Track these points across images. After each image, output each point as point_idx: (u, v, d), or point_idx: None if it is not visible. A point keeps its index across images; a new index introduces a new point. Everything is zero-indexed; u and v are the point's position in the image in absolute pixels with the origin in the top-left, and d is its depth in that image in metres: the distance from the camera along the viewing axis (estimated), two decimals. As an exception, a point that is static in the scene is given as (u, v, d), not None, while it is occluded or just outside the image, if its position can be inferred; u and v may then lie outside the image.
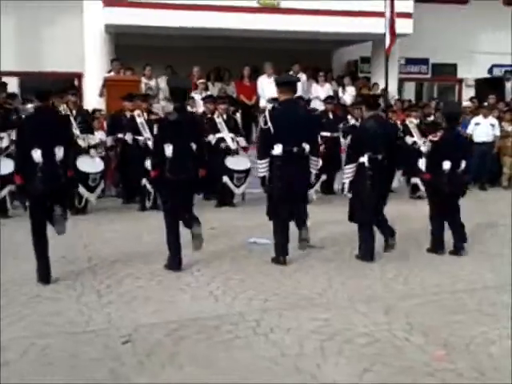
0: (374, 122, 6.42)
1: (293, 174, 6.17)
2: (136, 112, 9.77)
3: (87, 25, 13.41)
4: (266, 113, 6.27)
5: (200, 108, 12.54)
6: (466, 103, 13.12)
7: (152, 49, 13.79)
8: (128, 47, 13.47)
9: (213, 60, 14.05)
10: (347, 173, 6.45)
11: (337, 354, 4.17)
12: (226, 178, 9.85)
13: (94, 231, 8.17)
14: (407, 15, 13.84)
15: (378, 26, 13.58)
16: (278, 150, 6.12)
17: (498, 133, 12.13)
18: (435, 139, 7.16)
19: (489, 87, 14.83)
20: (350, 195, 6.52)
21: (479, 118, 12.21)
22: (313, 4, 13.28)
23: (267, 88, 13.32)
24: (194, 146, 6.08)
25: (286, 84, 6.40)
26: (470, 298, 5.37)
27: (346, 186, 6.46)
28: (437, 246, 6.82)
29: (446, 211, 6.79)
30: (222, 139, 10.06)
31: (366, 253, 6.48)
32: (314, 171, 6.42)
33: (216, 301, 5.31)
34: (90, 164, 9.25)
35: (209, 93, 13.28)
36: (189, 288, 5.65)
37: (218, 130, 10.10)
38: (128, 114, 10.06)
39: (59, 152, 5.64)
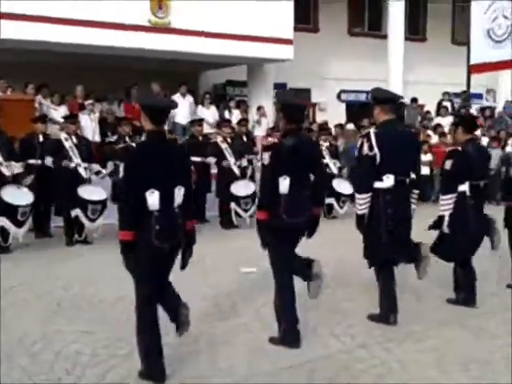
0: (472, 146, 5.73)
1: (403, 210, 5.13)
2: (63, 135, 8.78)
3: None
4: (372, 136, 5.03)
5: (86, 130, 11.78)
6: (349, 126, 13.84)
7: (27, 65, 12.55)
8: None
9: (93, 79, 13.19)
10: (446, 204, 5.59)
11: None
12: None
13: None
14: (288, 41, 14.29)
15: (254, 49, 13.99)
16: (388, 181, 5.00)
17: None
18: None
19: (362, 111, 15.82)
20: (447, 230, 5.59)
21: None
22: (202, 25, 13.10)
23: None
24: (311, 178, 4.81)
25: (387, 101, 5.21)
26: None
27: (446, 220, 5.55)
28: None
29: None
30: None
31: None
32: (414, 206, 5.33)
33: None
34: (18, 195, 8.12)
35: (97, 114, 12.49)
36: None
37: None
38: (41, 137, 9.10)
39: (179, 194, 4.05)
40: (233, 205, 10.06)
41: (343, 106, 19.37)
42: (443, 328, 5.19)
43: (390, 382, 4.11)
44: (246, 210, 10.01)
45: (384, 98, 5.23)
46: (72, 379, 4.16)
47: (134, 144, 4.25)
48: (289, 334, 4.69)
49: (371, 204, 5.07)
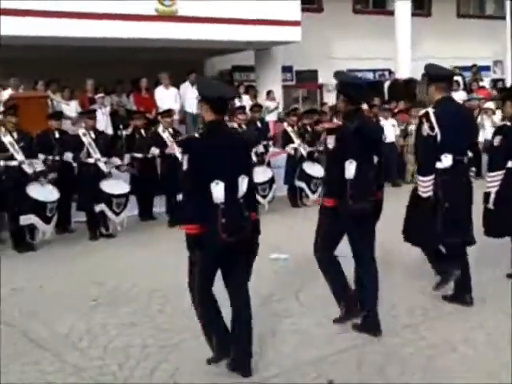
0: None
1: (462, 190, 4.99)
2: (81, 130, 8.76)
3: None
4: (432, 116, 4.82)
5: (98, 124, 11.73)
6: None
7: (35, 62, 12.48)
8: (4, 60, 12.06)
9: (101, 72, 13.14)
10: (493, 181, 5.51)
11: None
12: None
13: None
14: (296, 23, 14.19)
15: (262, 33, 13.90)
16: (446, 161, 4.87)
17: (398, 132, 12.96)
18: None
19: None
20: (492, 207, 5.54)
21: (381, 121, 12.91)
22: (209, 11, 13.00)
23: (166, 99, 12.85)
24: (375, 161, 4.64)
25: (441, 79, 5.03)
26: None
27: (492, 197, 5.51)
28: None
29: None
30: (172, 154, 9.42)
31: None
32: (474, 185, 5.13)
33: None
34: (44, 192, 8.13)
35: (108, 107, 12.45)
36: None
37: (165, 145, 9.44)
38: (56, 133, 9.09)
39: (243, 184, 3.95)
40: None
41: (351, 85, 19.23)
42: (486, 304, 5.18)
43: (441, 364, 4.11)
44: (264, 196, 9.90)
45: (439, 75, 5.07)
46: (126, 373, 4.18)
47: (196, 135, 4.05)
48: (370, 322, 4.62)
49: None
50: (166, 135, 9.49)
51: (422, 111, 4.97)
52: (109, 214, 8.57)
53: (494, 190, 5.49)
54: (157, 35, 12.63)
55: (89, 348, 4.66)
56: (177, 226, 9.17)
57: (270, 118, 13.98)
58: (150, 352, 4.51)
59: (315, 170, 10.42)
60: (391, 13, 17.89)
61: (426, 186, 4.90)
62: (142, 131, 10.12)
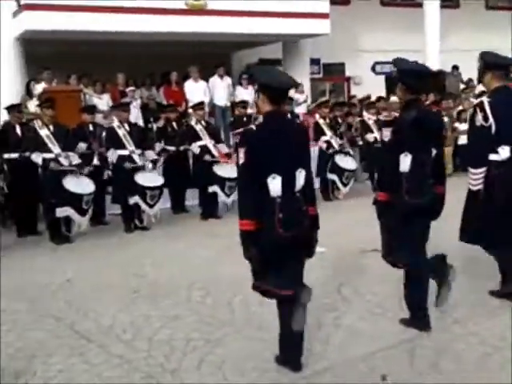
0: None
1: None
2: (115, 123, 8.79)
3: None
4: (486, 106, 4.68)
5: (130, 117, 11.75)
6: (393, 98, 13.58)
7: (66, 56, 12.54)
8: (37, 55, 12.16)
9: (131, 66, 13.18)
10: None
11: None
12: (215, 188, 9.24)
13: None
14: (324, 15, 14.09)
15: (291, 26, 13.82)
16: (504, 153, 4.70)
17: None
18: None
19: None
20: None
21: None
22: (238, 4, 12.95)
23: (196, 93, 12.85)
24: (433, 154, 4.37)
25: (499, 67, 4.87)
26: None
27: None
28: None
29: None
30: (205, 147, 9.41)
31: None
32: None
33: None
34: (80, 184, 8.17)
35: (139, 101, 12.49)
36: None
37: (199, 138, 9.44)
38: (91, 127, 9.16)
39: (300, 178, 3.78)
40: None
41: (378, 78, 19.06)
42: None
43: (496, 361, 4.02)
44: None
45: (496, 64, 4.88)
46: (173, 365, 4.17)
47: (253, 127, 3.86)
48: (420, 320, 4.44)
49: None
50: (198, 128, 9.47)
51: (477, 100, 4.85)
52: (143, 206, 8.61)
53: None
54: (186, 29, 12.67)
55: (133, 340, 4.66)
56: (209, 219, 9.27)
57: (299, 110, 13.92)
58: (195, 345, 4.49)
59: (347, 162, 10.36)
60: (419, 5, 17.69)
61: (476, 178, 4.74)
62: (174, 124, 10.11)
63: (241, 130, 4.31)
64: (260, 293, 3.94)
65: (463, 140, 13.15)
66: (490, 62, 4.88)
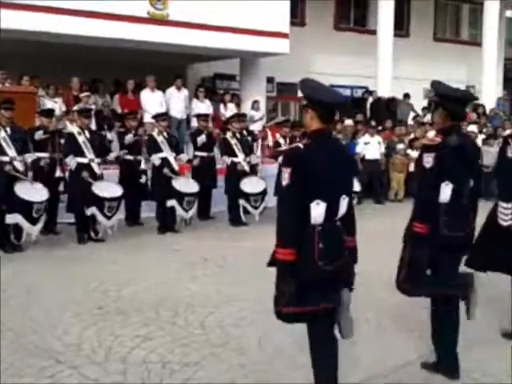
0: None
1: None
2: (75, 129, 8.47)
3: None
4: None
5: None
6: (348, 122, 13.75)
7: (19, 56, 12.08)
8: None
9: (85, 71, 12.82)
10: None
11: None
12: (174, 202, 9.04)
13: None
14: (284, 35, 14.15)
15: (251, 43, 13.83)
16: None
17: (383, 150, 13.02)
18: None
19: (355, 107, 15.77)
20: None
21: (367, 138, 12.97)
22: (200, 18, 12.85)
23: (152, 103, 12.63)
24: (471, 184, 4.16)
25: None
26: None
27: None
28: None
29: None
30: (165, 159, 9.20)
31: None
32: None
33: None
34: (32, 192, 7.80)
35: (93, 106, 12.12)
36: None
37: (160, 149, 9.21)
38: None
39: (343, 205, 3.43)
40: (242, 201, 9.83)
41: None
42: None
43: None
44: (255, 207, 9.82)
45: None
46: (153, 389, 3.97)
47: (300, 145, 3.35)
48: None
49: None
50: (160, 139, 9.25)
51: (508, 131, 4.71)
52: (100, 217, 8.30)
53: None
54: (146, 38, 12.45)
55: (106, 361, 4.41)
56: (167, 233, 9.03)
57: (255, 127, 13.87)
58: (172, 368, 4.29)
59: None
60: (372, 31, 18.07)
61: (508, 213, 4.58)
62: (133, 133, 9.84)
63: (286, 147, 3.81)
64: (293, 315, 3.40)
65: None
66: None
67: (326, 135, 3.46)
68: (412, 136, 13.76)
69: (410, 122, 15.65)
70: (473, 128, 13.54)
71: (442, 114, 4.09)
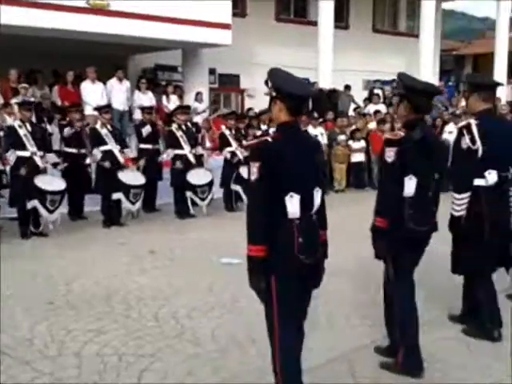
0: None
1: (505, 210, 4.65)
2: (16, 122, 8.27)
3: None
4: (474, 128, 4.46)
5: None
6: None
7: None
8: None
9: (21, 62, 12.47)
10: None
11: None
12: (120, 195, 8.95)
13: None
14: (226, 26, 14.13)
15: (192, 34, 13.75)
16: (491, 178, 4.50)
17: (325, 141, 13.20)
18: None
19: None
20: None
21: (310, 129, 13.10)
22: (141, 7, 12.69)
23: (93, 95, 12.43)
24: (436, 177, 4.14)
25: (485, 88, 4.68)
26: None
27: None
28: None
29: None
30: (109, 152, 9.08)
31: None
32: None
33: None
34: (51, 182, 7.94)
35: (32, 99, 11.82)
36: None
37: (103, 142, 9.08)
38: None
39: (317, 197, 3.36)
40: (189, 193, 9.81)
41: (272, 92, 19.37)
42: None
43: None
44: (202, 199, 9.82)
45: (483, 85, 4.71)
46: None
47: (269, 139, 3.26)
48: (410, 358, 4.07)
49: (469, 204, 4.51)
50: (104, 132, 9.12)
51: (463, 122, 4.68)
52: (42, 211, 8.15)
53: None
54: (86, 28, 12.20)
55: (59, 356, 4.37)
56: (112, 227, 8.93)
57: (198, 119, 13.83)
58: (128, 361, 4.29)
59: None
60: (313, 23, 18.22)
61: (460, 204, 4.53)
62: (77, 125, 9.66)
63: (254, 141, 3.68)
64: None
65: (356, 158, 13.81)
66: (476, 83, 4.74)
67: (295, 128, 3.38)
68: (353, 127, 14.00)
69: (351, 113, 15.89)
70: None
71: (406, 107, 4.06)
